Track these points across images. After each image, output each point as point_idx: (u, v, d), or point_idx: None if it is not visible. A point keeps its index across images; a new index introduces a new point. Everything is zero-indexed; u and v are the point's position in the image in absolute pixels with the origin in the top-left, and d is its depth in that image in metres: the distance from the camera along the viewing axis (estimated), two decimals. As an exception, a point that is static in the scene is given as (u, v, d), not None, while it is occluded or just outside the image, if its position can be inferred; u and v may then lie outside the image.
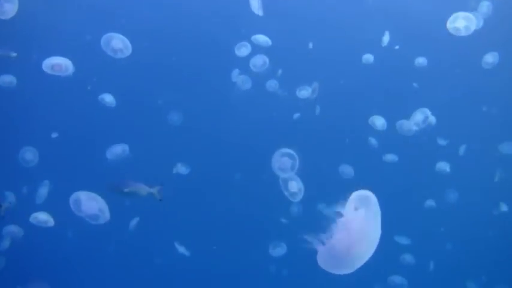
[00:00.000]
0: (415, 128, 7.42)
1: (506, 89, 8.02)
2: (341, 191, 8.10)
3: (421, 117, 7.37)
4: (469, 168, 7.92)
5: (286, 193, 7.12)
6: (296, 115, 8.39)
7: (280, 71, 8.27)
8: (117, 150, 7.53)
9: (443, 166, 7.87)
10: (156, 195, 5.35)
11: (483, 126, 8.05)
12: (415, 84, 8.07)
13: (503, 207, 7.92)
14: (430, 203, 7.91)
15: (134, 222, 7.87)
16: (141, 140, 7.88)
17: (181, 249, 7.80)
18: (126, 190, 5.18)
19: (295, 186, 7.11)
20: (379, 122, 7.86)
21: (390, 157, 8.07)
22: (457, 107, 7.98)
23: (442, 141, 8.02)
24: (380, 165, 8.10)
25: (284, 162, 7.13)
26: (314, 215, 8.04)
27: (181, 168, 7.98)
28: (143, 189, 5.30)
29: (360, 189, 3.63)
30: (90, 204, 5.47)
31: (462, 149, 8.04)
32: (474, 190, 7.98)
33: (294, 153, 7.07)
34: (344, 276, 3.61)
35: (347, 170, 8.01)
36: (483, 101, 8.17)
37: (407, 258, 7.85)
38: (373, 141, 8.15)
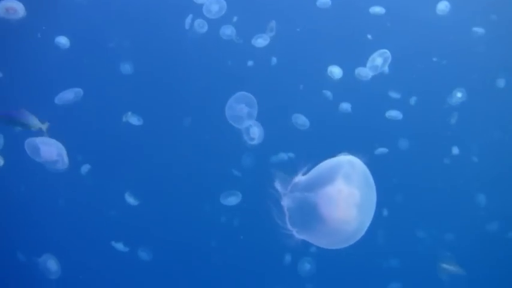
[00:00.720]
0: (371, 73, 7.42)
1: (456, 40, 8.09)
2: (296, 141, 8.16)
3: (379, 62, 7.37)
4: (420, 117, 8.00)
5: (246, 138, 7.11)
6: (250, 63, 8.26)
7: (235, 18, 8.09)
8: (68, 95, 7.31)
9: (395, 114, 7.94)
10: (44, 132, 5.36)
11: (434, 77, 8.12)
12: (369, 36, 8.02)
13: (455, 150, 8.09)
14: (382, 150, 7.97)
15: (85, 170, 7.72)
16: (92, 87, 7.67)
17: (131, 200, 7.70)
18: (16, 121, 5.25)
19: (255, 133, 7.09)
20: (335, 70, 7.82)
21: (344, 106, 8.06)
22: (410, 56, 7.99)
23: (394, 92, 8.05)
24: (334, 114, 8.10)
25: (240, 109, 7.07)
26: (267, 165, 8.14)
27: (131, 118, 7.80)
28: (34, 123, 5.33)
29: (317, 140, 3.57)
30: (49, 149, 5.42)
31: (413, 100, 8.10)
32: (425, 138, 8.11)
33: (252, 99, 7.03)
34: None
35: (301, 120, 7.98)
36: (435, 53, 8.21)
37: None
38: (328, 91, 8.12)
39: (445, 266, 7.48)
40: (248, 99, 7.02)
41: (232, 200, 7.83)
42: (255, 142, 7.24)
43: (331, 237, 3.33)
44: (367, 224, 3.41)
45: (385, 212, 7.60)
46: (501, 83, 8.42)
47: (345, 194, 3.27)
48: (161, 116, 7.98)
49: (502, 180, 8.23)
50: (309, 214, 3.32)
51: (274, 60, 8.29)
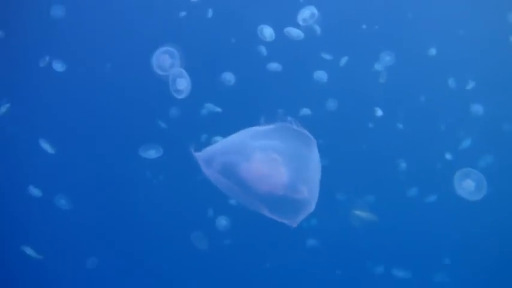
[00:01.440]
0: (301, 23, 7.42)
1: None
2: (223, 97, 8.11)
3: (307, 14, 7.36)
4: (348, 80, 8.05)
5: (172, 90, 7.02)
6: (183, 13, 8.11)
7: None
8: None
9: (323, 75, 7.97)
10: None
11: (365, 41, 8.15)
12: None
13: (379, 113, 8.20)
14: (306, 111, 8.01)
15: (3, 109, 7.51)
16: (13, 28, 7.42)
17: (46, 146, 7.53)
18: None
19: (183, 84, 6.99)
20: (266, 31, 7.77)
21: (274, 66, 8.04)
22: (343, 20, 7.99)
23: (325, 53, 8.06)
24: (264, 73, 8.07)
25: (164, 59, 6.97)
26: (196, 118, 8.08)
27: (55, 64, 7.60)
28: None
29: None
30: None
31: (343, 62, 8.13)
32: (351, 101, 8.19)
33: (175, 51, 6.92)
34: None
35: (229, 77, 7.93)
36: (366, 17, 8.24)
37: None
38: (260, 49, 8.06)
39: (358, 213, 7.67)
40: (172, 50, 6.90)
41: (152, 153, 7.74)
42: (182, 95, 7.15)
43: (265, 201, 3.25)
44: (305, 184, 3.30)
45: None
46: (433, 51, 8.52)
47: (264, 156, 3.22)
48: (84, 63, 7.78)
49: (423, 147, 8.41)
50: (233, 178, 3.27)
51: (210, 12, 8.15)
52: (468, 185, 7.82)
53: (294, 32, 7.64)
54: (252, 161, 3.19)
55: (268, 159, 3.20)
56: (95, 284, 8.08)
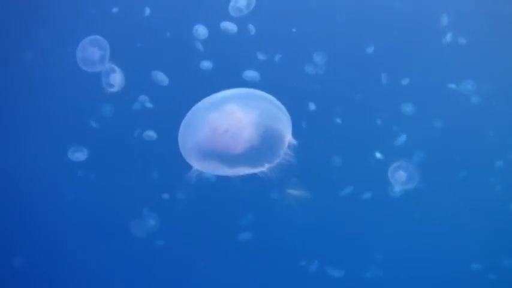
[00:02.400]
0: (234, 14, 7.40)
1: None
2: (156, 94, 8.01)
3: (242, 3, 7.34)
4: (281, 78, 8.08)
5: (105, 85, 6.89)
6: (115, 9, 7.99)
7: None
8: None
9: (253, 75, 7.98)
10: None
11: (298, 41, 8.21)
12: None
13: (312, 107, 8.28)
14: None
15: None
16: None
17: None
18: None
19: (116, 79, 6.85)
20: (201, 29, 7.77)
21: (206, 64, 8.02)
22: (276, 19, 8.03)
23: (259, 53, 8.09)
24: (196, 70, 8.04)
25: (93, 52, 6.85)
26: (127, 114, 7.96)
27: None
28: None
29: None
30: None
31: (277, 58, 8.16)
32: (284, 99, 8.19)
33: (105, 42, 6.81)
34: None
35: (160, 76, 7.89)
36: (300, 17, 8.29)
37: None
38: (198, 43, 8.01)
39: (291, 191, 7.71)
40: (101, 42, 6.76)
41: (80, 156, 7.59)
42: (114, 89, 7.00)
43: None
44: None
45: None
46: (370, 50, 8.63)
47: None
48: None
49: (358, 144, 8.51)
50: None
51: (147, 11, 8.05)
52: (400, 176, 7.96)
53: (229, 26, 7.63)
54: (217, 124, 3.11)
55: (227, 114, 3.12)
56: (22, 283, 7.89)
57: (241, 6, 7.38)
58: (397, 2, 8.63)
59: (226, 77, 7.91)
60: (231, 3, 7.39)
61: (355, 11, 8.44)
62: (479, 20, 9.70)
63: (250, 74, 7.88)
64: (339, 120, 8.57)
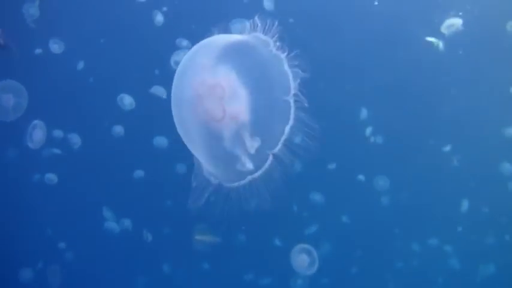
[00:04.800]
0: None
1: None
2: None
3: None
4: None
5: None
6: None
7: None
8: None
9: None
10: None
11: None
12: None
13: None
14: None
15: None
16: None
17: None
18: None
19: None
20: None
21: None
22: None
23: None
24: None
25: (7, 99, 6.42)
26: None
27: None
28: None
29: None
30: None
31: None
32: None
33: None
34: None
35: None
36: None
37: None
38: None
39: (199, 237, 7.51)
40: (17, 88, 6.35)
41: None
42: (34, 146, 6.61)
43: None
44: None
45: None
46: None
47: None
48: None
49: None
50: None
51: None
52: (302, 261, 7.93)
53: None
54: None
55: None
56: None
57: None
58: (318, 95, 8.76)
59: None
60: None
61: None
62: (398, 120, 10.07)
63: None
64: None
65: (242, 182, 2.50)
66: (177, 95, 2.45)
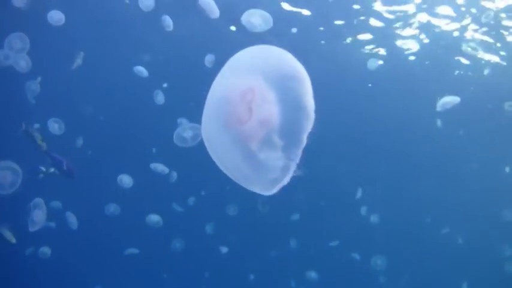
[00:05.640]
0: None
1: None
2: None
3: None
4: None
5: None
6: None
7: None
8: None
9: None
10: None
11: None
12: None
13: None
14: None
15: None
16: None
17: None
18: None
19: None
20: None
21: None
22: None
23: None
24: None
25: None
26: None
27: None
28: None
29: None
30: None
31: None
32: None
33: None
34: None
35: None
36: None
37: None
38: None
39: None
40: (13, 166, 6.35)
41: None
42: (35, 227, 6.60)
43: None
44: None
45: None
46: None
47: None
48: None
49: None
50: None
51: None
52: None
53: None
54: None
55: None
56: None
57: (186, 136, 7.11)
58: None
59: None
60: (177, 130, 7.03)
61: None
62: (391, 201, 10.05)
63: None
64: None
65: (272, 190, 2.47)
66: (208, 110, 2.47)
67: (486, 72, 7.96)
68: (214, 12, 5.83)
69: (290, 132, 2.39)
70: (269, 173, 2.47)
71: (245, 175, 2.51)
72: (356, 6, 6.85)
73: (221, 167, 2.46)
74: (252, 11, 5.79)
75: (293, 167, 2.42)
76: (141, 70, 7.32)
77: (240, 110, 2.37)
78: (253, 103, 2.33)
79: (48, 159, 5.92)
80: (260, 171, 2.47)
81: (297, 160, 2.38)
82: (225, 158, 2.48)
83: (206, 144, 2.44)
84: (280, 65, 2.42)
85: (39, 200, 6.36)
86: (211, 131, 2.46)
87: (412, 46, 7.70)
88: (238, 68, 2.46)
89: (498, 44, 7.47)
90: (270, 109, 2.37)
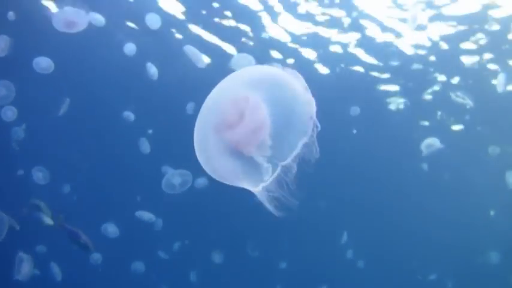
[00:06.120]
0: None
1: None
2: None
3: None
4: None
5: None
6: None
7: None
8: None
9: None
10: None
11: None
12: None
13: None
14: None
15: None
16: None
17: None
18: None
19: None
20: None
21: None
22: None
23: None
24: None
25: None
26: None
27: None
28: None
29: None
30: None
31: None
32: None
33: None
34: None
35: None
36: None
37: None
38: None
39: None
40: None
41: None
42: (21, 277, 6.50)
43: None
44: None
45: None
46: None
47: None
48: None
49: None
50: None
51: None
52: None
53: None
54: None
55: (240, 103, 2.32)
56: None
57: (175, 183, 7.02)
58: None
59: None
60: (166, 176, 6.97)
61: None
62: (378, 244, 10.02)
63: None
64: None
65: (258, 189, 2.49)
66: (202, 113, 2.51)
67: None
68: (200, 61, 5.93)
69: (282, 140, 2.47)
70: (257, 175, 2.52)
71: (233, 175, 2.55)
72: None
73: (208, 169, 2.51)
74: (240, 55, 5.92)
75: (282, 170, 2.48)
76: (128, 115, 7.39)
77: (232, 113, 2.45)
78: (247, 110, 2.41)
79: (65, 233, 5.80)
80: (247, 174, 2.52)
81: (288, 163, 2.44)
82: (214, 159, 2.53)
83: (196, 146, 2.49)
84: (278, 79, 2.50)
85: (24, 255, 6.31)
86: (202, 132, 2.51)
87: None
88: (237, 79, 2.56)
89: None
90: (263, 116, 2.45)
